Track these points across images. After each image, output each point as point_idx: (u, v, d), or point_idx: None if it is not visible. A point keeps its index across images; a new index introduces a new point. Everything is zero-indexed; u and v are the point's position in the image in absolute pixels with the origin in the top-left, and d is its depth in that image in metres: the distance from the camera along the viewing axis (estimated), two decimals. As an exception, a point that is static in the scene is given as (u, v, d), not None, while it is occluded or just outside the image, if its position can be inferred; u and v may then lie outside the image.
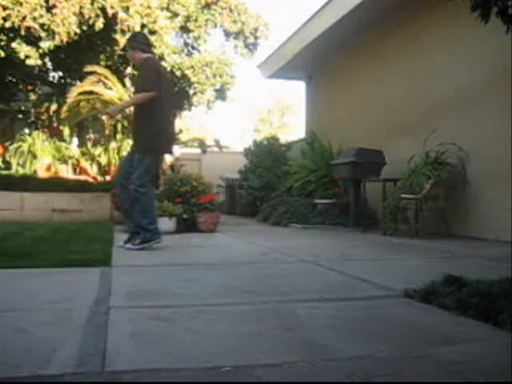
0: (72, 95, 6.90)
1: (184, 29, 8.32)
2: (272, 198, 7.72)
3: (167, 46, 7.77)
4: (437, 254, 4.24)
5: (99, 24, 7.12)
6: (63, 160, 8.39)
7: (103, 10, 7.26)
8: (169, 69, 7.83)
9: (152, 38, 7.44)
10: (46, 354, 1.62)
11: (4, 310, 2.24)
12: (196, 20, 8.19)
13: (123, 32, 7.35)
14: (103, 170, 8.38)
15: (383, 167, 6.46)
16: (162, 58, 7.75)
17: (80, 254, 3.83)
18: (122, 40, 7.39)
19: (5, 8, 7.13)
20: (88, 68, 6.90)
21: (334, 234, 5.93)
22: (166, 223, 5.50)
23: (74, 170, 8.50)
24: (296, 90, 26.33)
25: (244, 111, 43.73)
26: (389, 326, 2.07)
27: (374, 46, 7.53)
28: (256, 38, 8.78)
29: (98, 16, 7.22)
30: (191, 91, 8.26)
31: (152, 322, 2.07)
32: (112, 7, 7.22)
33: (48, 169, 8.09)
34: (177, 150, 8.21)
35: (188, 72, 7.95)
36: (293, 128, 22.48)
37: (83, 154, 8.61)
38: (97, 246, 4.27)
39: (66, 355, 1.62)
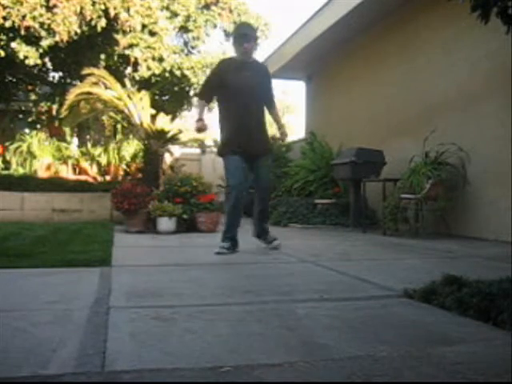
0: (71, 96, 6.91)
1: (184, 29, 8.32)
2: (272, 198, 7.71)
3: (167, 47, 7.77)
4: (437, 254, 4.24)
5: (101, 24, 7.11)
6: (63, 160, 8.38)
7: (105, 11, 7.25)
8: (168, 68, 7.83)
9: (152, 40, 7.43)
10: (46, 354, 1.62)
11: (4, 310, 2.24)
12: (195, 21, 8.19)
13: (124, 32, 7.34)
14: (103, 170, 8.37)
15: (383, 167, 6.46)
16: (161, 59, 7.75)
17: (80, 253, 3.83)
18: (122, 40, 7.38)
19: (5, 7, 7.12)
20: (86, 71, 6.90)
21: (334, 234, 5.93)
22: (165, 223, 5.50)
23: (74, 170, 8.50)
24: (296, 90, 26.27)
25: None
26: (388, 325, 2.07)
27: (373, 46, 7.53)
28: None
29: (99, 17, 7.21)
30: (191, 92, 8.27)
31: (152, 321, 2.07)
32: (115, 8, 7.21)
33: (48, 169, 8.08)
34: (177, 150, 8.23)
35: (188, 73, 7.96)
36: (293, 128, 22.47)
37: (83, 154, 8.61)
38: (97, 246, 4.27)
39: (66, 355, 1.62)
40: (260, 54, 9.31)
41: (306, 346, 1.78)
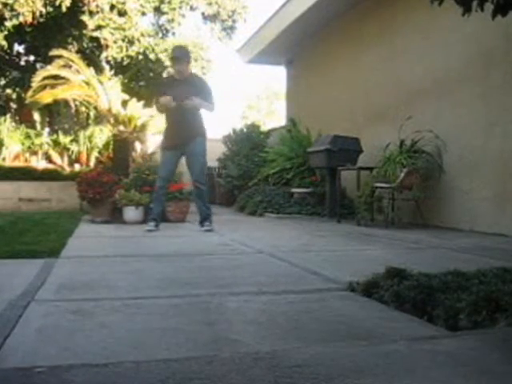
0: (37, 79, 6.73)
1: (158, 10, 8.10)
2: (249, 187, 7.59)
3: (137, 28, 7.57)
4: (403, 245, 4.14)
5: (66, 3, 6.88)
6: (33, 149, 8.16)
7: None
8: (141, 50, 7.65)
9: (121, 20, 7.23)
10: None
11: None
12: (170, 2, 7.97)
13: (91, 13, 7.13)
14: (74, 159, 8.19)
15: (360, 155, 6.34)
16: (132, 41, 7.55)
17: (31, 244, 3.71)
18: (89, 22, 7.17)
19: None
20: (54, 52, 6.72)
21: (306, 224, 5.83)
22: (132, 213, 5.39)
23: (45, 158, 8.29)
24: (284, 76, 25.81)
25: (233, 97, 43.10)
26: (316, 320, 1.98)
27: (351, 30, 7.38)
28: (234, 21, 8.55)
29: None
30: (165, 75, 8.06)
31: (68, 315, 1.99)
32: None
33: (17, 157, 7.90)
34: (153, 138, 8.07)
35: (162, 56, 7.78)
36: (281, 115, 22.29)
37: (54, 142, 8.39)
38: (53, 237, 4.15)
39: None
40: (238, 38, 9.06)
41: (216, 342, 1.70)
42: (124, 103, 6.96)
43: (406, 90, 6.19)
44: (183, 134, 4.92)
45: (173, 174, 5.19)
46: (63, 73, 6.62)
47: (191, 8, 8.26)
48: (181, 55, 5.05)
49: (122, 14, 7.35)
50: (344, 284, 2.52)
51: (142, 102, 7.17)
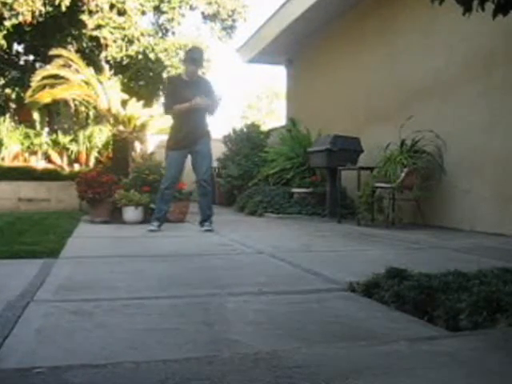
0: (37, 78, 6.72)
1: (157, 9, 8.09)
2: (249, 187, 7.59)
3: (137, 27, 7.56)
4: (403, 245, 4.13)
5: (65, 3, 6.87)
6: (32, 150, 8.15)
7: None
8: (141, 50, 7.64)
9: (121, 19, 7.23)
10: None
11: None
12: (170, 1, 7.96)
13: (90, 12, 7.12)
14: (73, 159, 8.17)
15: (360, 155, 6.33)
16: (131, 40, 7.54)
17: (30, 245, 3.70)
18: (89, 21, 7.17)
19: None
20: (53, 51, 6.71)
21: (306, 224, 5.82)
22: (132, 213, 5.38)
23: (44, 158, 8.28)
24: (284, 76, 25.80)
25: (233, 97, 43.06)
26: (316, 321, 1.97)
27: (351, 29, 7.37)
28: (234, 20, 8.55)
29: None
30: (164, 75, 8.07)
31: (68, 316, 1.99)
32: None
33: (16, 157, 7.88)
34: (154, 137, 8.08)
35: (161, 55, 7.78)
36: (281, 115, 22.27)
37: (53, 142, 8.38)
38: (52, 237, 4.14)
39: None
40: (238, 38, 9.05)
41: (217, 342, 1.70)
42: (123, 103, 6.94)
43: (406, 89, 6.19)
44: (192, 134, 4.90)
45: (181, 174, 5.13)
46: (62, 72, 6.59)
47: (191, 7, 8.26)
48: (198, 57, 5.12)
49: (121, 13, 7.34)
50: (344, 284, 2.51)
51: (141, 102, 7.17)
